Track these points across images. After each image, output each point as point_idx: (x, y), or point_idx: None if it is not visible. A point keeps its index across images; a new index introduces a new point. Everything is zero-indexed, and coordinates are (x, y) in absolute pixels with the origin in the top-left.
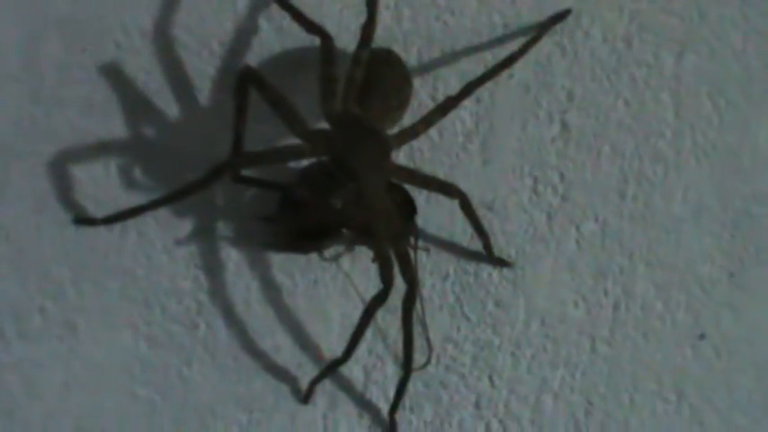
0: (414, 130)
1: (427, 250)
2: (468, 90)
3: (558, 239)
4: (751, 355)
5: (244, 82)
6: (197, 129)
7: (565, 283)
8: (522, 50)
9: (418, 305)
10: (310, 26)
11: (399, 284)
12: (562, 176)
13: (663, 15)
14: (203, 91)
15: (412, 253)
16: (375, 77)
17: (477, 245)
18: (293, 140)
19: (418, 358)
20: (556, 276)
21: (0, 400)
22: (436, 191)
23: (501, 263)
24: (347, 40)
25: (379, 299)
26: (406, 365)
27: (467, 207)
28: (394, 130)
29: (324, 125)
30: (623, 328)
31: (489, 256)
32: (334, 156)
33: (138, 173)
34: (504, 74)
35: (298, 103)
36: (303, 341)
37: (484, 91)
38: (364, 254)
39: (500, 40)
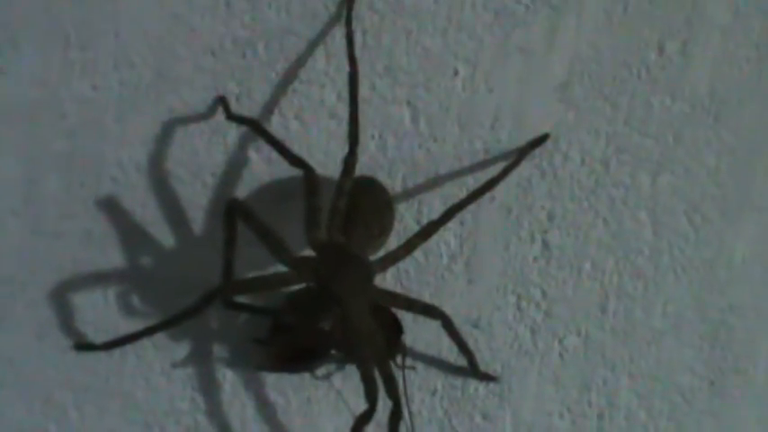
0: (396, 254)
1: (414, 368)
2: (449, 214)
3: (543, 353)
4: None
5: (231, 214)
6: (190, 257)
7: (550, 395)
8: (503, 174)
9: (407, 419)
10: (293, 159)
11: (388, 401)
12: (544, 293)
13: (638, 137)
14: (197, 221)
15: (399, 371)
16: (358, 206)
17: (463, 361)
18: (281, 267)
19: None
20: (541, 389)
21: None
22: (419, 313)
23: (487, 377)
24: (334, 168)
25: (365, 417)
26: None
27: (449, 327)
28: (378, 255)
29: (310, 252)
30: None
31: (474, 371)
32: (319, 282)
33: (135, 300)
34: (486, 197)
35: (286, 230)
36: None
37: (467, 213)
38: (354, 371)
39: (481, 165)
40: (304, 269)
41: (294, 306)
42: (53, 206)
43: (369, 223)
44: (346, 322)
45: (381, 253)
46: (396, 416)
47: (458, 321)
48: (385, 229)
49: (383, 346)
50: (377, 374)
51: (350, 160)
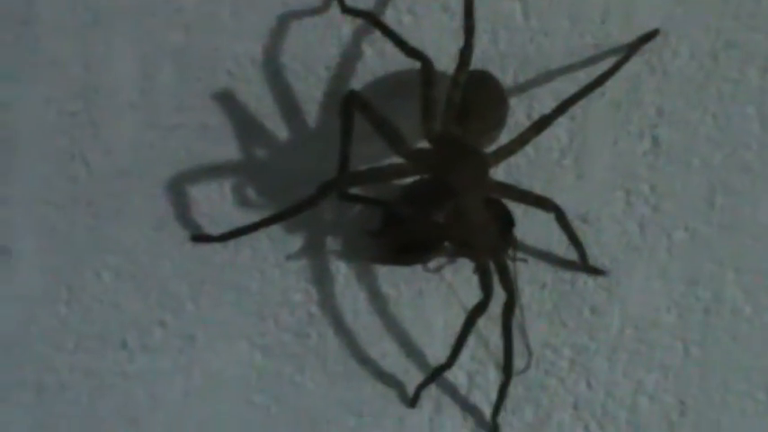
0: (510, 147)
1: (525, 261)
2: (561, 108)
3: (651, 248)
4: None
5: (348, 105)
6: (305, 149)
7: (657, 289)
8: (613, 69)
9: (518, 313)
10: (410, 51)
11: (500, 294)
12: (653, 188)
13: (748, 32)
14: (311, 114)
15: (511, 264)
16: (473, 99)
17: (572, 255)
18: (396, 160)
19: (518, 363)
20: (648, 284)
21: (125, 409)
22: (532, 205)
23: (596, 272)
24: (446, 63)
25: (480, 308)
26: (507, 370)
27: (562, 219)
28: (491, 149)
29: (424, 145)
30: (714, 332)
31: (584, 265)
32: (434, 173)
33: (250, 192)
34: (596, 92)
35: (399, 124)
36: (409, 348)
37: (577, 109)
38: (466, 265)
39: (591, 60)
40: (420, 161)
41: (407, 198)
42: (169, 99)
43: (484, 116)
44: (461, 214)
45: (494, 147)
46: (509, 307)
47: (568, 216)
48: (499, 122)
49: (497, 238)
50: (491, 266)
51: (466, 52)
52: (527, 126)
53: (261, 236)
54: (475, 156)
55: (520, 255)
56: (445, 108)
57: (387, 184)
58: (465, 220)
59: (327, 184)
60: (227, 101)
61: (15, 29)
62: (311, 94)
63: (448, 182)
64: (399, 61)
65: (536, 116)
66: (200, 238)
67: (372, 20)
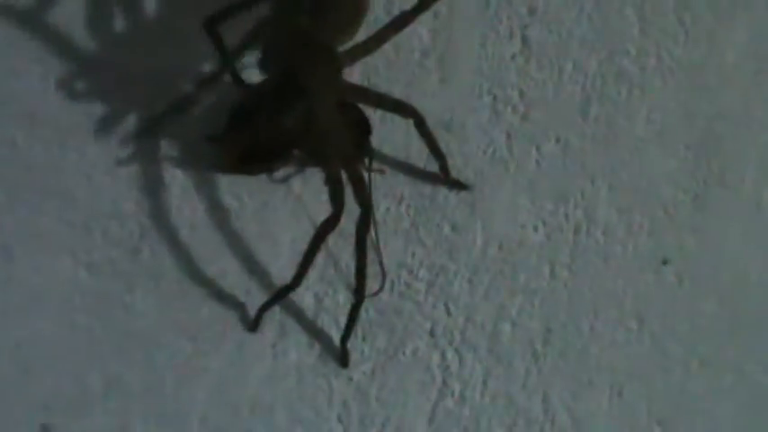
0: (366, 46)
1: (383, 172)
2: (424, 4)
3: (518, 161)
4: (714, 280)
5: (211, 29)
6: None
7: (524, 206)
8: None
9: (372, 229)
10: None
11: (352, 208)
12: (522, 95)
13: None
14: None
15: (366, 175)
16: None
17: (433, 166)
18: None
19: (371, 285)
20: (515, 199)
21: None
22: (390, 111)
23: (458, 185)
24: None
25: (330, 223)
26: (359, 292)
27: (422, 127)
28: (346, 47)
29: None
30: (584, 254)
31: (446, 178)
32: (283, 72)
33: (78, 86)
34: None
35: None
36: (251, 267)
37: (442, 6)
38: (316, 175)
39: None
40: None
41: (254, 98)
42: None
43: (339, 9)
44: (312, 118)
45: (350, 45)
46: (364, 222)
47: (429, 123)
48: (356, 18)
49: (352, 146)
50: (343, 177)
51: None
52: (385, 23)
53: (87, 138)
54: (326, 53)
55: (376, 165)
56: None
57: (232, 87)
58: (317, 124)
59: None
60: None
61: None
62: None
63: (298, 80)
64: None
65: (397, 12)
66: None
67: None
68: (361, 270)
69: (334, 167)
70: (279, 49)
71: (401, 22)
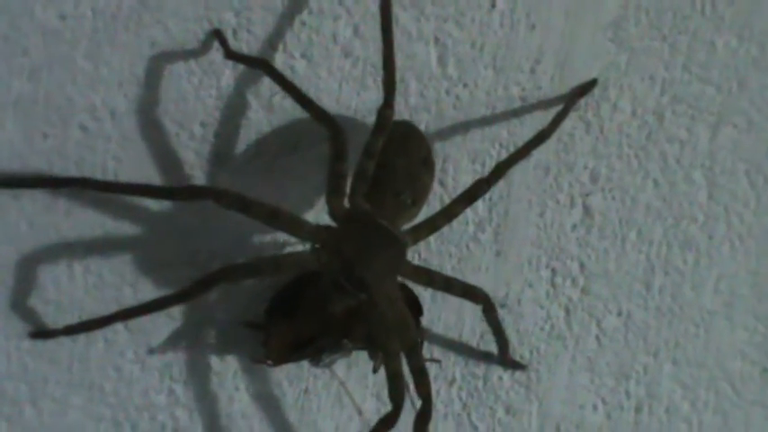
0: (433, 223)
1: (438, 361)
2: (500, 170)
3: (577, 337)
4: None
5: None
6: (175, 223)
7: (583, 384)
8: (554, 125)
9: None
10: (319, 115)
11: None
12: (583, 267)
13: (698, 85)
14: (183, 180)
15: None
16: (388, 166)
17: (486, 345)
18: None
19: None
20: (573, 378)
21: None
22: (459, 296)
23: (514, 365)
24: (348, 120)
25: (390, 420)
26: None
27: (490, 312)
28: (409, 225)
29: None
30: None
31: (503, 359)
32: (342, 263)
33: (106, 276)
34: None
35: (290, 192)
36: None
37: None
38: (361, 358)
39: (517, 116)
40: (325, 244)
41: (301, 285)
42: (10, 160)
43: (399, 189)
44: (372, 309)
45: (412, 223)
46: (425, 417)
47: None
48: (420, 196)
49: (415, 335)
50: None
51: (385, 114)
52: (456, 196)
53: (116, 326)
54: (391, 239)
55: (427, 349)
56: (355, 179)
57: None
58: (377, 316)
59: (207, 279)
60: (81, 163)
61: None
62: (183, 155)
63: (356, 272)
64: (288, 116)
65: (451, 183)
66: (42, 334)
67: (266, 68)
68: None
69: (395, 360)
70: (332, 235)
71: (475, 191)
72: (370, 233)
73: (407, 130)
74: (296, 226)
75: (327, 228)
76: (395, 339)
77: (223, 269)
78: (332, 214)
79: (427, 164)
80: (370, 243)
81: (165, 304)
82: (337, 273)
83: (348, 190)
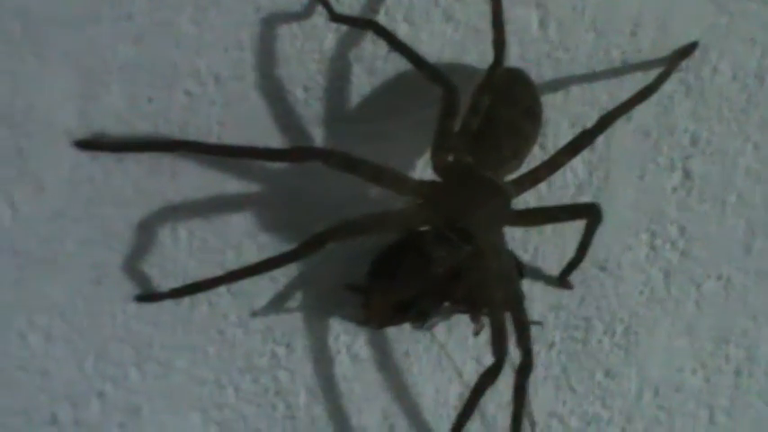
0: (536, 174)
1: (540, 323)
2: (606, 121)
3: (677, 300)
4: None
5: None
6: (279, 189)
7: (682, 348)
8: (659, 82)
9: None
10: (432, 74)
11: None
12: (683, 230)
13: None
14: (285, 145)
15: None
16: (493, 118)
17: (586, 309)
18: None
19: None
20: (672, 341)
21: None
22: (569, 219)
23: (565, 285)
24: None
25: (492, 373)
26: None
27: (594, 225)
28: (511, 177)
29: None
30: (745, 397)
31: (565, 273)
32: (447, 215)
33: (211, 239)
34: (621, 117)
35: (392, 154)
36: (392, 420)
37: (598, 137)
38: (461, 321)
39: (618, 79)
40: (429, 198)
41: (402, 247)
42: (115, 124)
43: (502, 141)
44: (477, 261)
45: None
46: (526, 369)
47: (582, 263)
48: (523, 149)
49: (520, 289)
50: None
51: (494, 72)
52: (561, 147)
53: (220, 289)
54: (495, 190)
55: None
56: (458, 135)
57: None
58: (483, 268)
59: (315, 239)
60: (185, 127)
61: None
62: (287, 119)
63: (463, 225)
64: (393, 79)
65: (550, 146)
66: (147, 297)
67: (375, 28)
68: (518, 419)
69: (500, 312)
70: (436, 189)
71: (579, 143)
72: (473, 185)
73: (513, 77)
74: (400, 182)
75: (431, 182)
76: (500, 291)
77: (331, 229)
78: (435, 169)
79: (532, 114)
80: (474, 194)
81: (274, 265)
82: (442, 225)
83: (453, 145)
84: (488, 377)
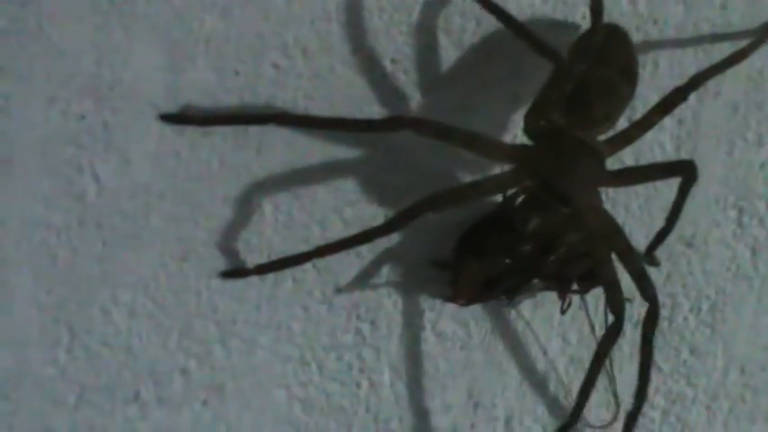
0: (629, 134)
1: (629, 300)
2: (697, 81)
3: (763, 277)
4: None
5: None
6: (364, 164)
7: None
8: (751, 48)
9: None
10: (544, 50)
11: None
12: None
13: None
14: (373, 117)
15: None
16: (585, 76)
17: (672, 286)
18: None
19: (604, 414)
20: (759, 319)
21: None
22: (664, 177)
23: (652, 261)
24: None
25: (614, 334)
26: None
27: (688, 184)
28: (604, 136)
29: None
30: None
31: (654, 245)
32: (542, 178)
33: (297, 215)
34: (710, 92)
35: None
36: (477, 399)
37: (686, 110)
38: (547, 299)
39: (707, 52)
40: (525, 160)
41: (490, 223)
42: (202, 97)
43: (594, 102)
44: (576, 222)
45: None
46: (653, 319)
47: (669, 239)
48: (616, 110)
49: (627, 238)
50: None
51: (590, 40)
52: (652, 106)
53: (306, 265)
54: (588, 150)
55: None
56: (552, 99)
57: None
58: (579, 227)
59: (411, 209)
60: (272, 100)
61: (12, 11)
62: (374, 92)
63: (559, 187)
64: (481, 52)
65: (639, 118)
66: (232, 273)
67: (484, 3)
68: (646, 373)
69: (609, 267)
70: (530, 152)
71: (671, 100)
72: (566, 146)
73: (609, 35)
74: (494, 148)
75: (524, 146)
76: (604, 245)
77: (426, 198)
78: (527, 132)
79: (627, 74)
80: (568, 156)
81: (367, 238)
82: (538, 189)
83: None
84: (611, 337)
